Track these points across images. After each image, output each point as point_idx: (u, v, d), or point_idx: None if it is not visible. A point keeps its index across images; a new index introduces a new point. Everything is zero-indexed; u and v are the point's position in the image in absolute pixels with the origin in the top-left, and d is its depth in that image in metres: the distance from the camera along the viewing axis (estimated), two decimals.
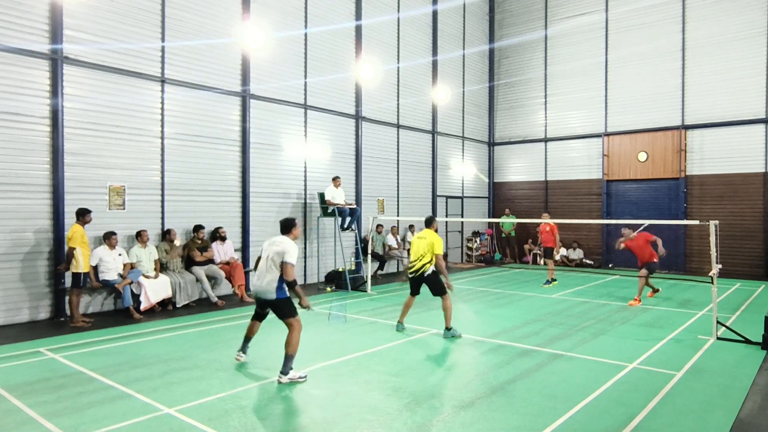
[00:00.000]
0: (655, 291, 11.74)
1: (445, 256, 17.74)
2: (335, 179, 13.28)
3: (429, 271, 8.20)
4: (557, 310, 10.38)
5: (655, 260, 11.08)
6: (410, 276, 8.38)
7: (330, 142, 14.44)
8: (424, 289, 8.35)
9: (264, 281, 6.13)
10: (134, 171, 10.43)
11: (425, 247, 8.17)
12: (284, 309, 6.14)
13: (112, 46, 10.05)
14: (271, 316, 6.51)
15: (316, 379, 6.09)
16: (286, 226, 6.43)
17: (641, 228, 11.28)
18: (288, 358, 5.98)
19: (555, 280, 13.93)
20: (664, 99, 16.88)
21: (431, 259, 8.17)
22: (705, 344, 7.67)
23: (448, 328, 8.15)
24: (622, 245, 11.37)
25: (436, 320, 9.24)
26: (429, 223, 8.54)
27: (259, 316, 6.71)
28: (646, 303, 11.05)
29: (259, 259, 6.46)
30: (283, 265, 6.03)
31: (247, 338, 6.77)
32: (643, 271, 11.07)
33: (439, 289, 8.17)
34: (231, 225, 12.07)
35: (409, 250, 16.04)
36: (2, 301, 8.83)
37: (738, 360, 6.90)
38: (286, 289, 6.14)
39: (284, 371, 5.94)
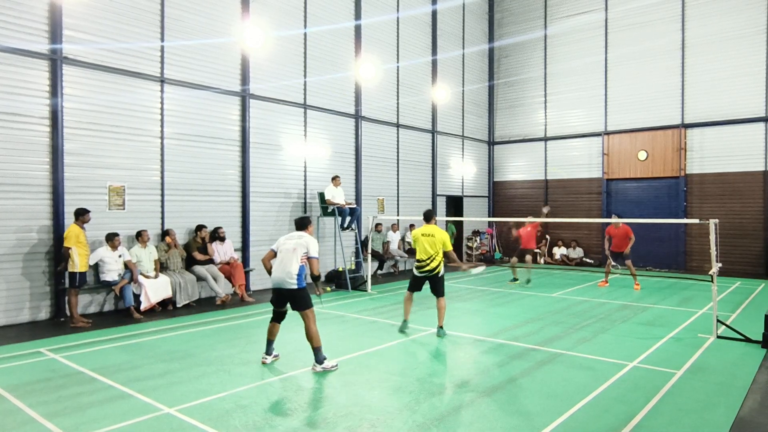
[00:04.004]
0: (606, 282, 13.33)
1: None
2: (335, 178, 13.28)
3: (442, 272, 8.16)
4: (557, 309, 10.38)
5: (626, 251, 12.69)
6: (420, 275, 8.21)
7: (330, 142, 14.43)
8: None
9: (284, 272, 6.36)
10: (134, 171, 10.43)
11: (437, 245, 8.05)
12: (303, 300, 6.41)
13: (111, 46, 10.04)
14: (290, 315, 6.63)
15: (317, 379, 6.09)
16: (303, 223, 6.73)
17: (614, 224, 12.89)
18: (317, 350, 6.37)
19: (517, 279, 13.90)
20: (664, 97, 16.88)
21: (442, 257, 8.14)
22: (705, 343, 7.68)
23: (441, 327, 8.17)
24: (607, 235, 13.13)
25: (436, 319, 9.23)
26: (430, 217, 8.39)
27: (278, 317, 6.70)
28: (646, 302, 11.06)
29: (270, 255, 6.61)
30: (309, 261, 6.45)
31: (270, 341, 6.72)
32: (629, 262, 12.63)
33: (442, 289, 8.20)
34: (231, 225, 12.07)
35: (409, 250, 16.09)
36: (3, 302, 8.83)
37: (738, 358, 6.90)
38: (304, 278, 6.49)
39: (318, 361, 6.37)
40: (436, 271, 8.09)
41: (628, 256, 12.66)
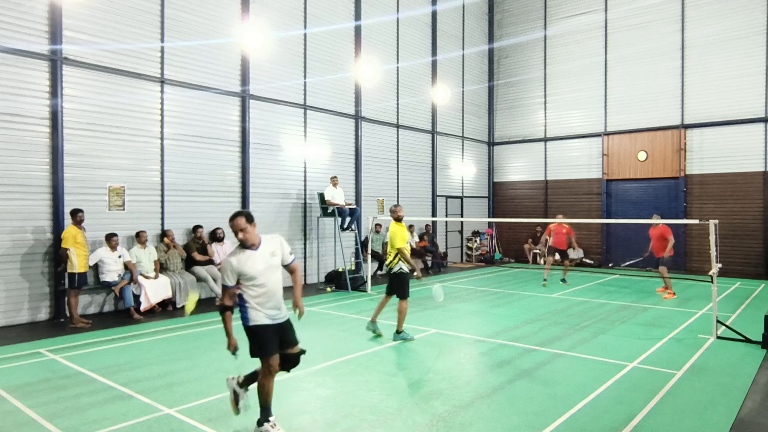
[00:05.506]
0: (667, 288, 11.93)
1: (431, 253, 17.78)
2: (333, 179, 13.30)
3: (396, 268, 7.90)
4: (557, 309, 10.38)
5: (662, 255, 11.71)
6: (387, 272, 8.23)
7: (329, 142, 14.44)
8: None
9: None
10: (134, 172, 10.43)
11: (390, 242, 7.98)
12: (248, 340, 4.51)
13: (111, 47, 10.05)
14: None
15: (317, 379, 6.09)
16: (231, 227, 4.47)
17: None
18: (261, 409, 4.56)
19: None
20: (664, 98, 16.89)
21: (396, 254, 7.90)
22: (705, 343, 7.67)
23: (398, 332, 7.91)
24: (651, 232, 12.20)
25: (436, 320, 9.25)
26: (391, 213, 8.19)
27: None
28: (646, 302, 11.06)
29: None
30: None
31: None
32: (662, 268, 11.73)
33: (399, 289, 7.88)
34: None
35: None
36: (2, 302, 8.83)
37: (738, 359, 6.90)
38: (248, 314, 4.44)
39: (258, 421, 4.58)
40: (390, 266, 7.99)
41: (663, 261, 11.71)
